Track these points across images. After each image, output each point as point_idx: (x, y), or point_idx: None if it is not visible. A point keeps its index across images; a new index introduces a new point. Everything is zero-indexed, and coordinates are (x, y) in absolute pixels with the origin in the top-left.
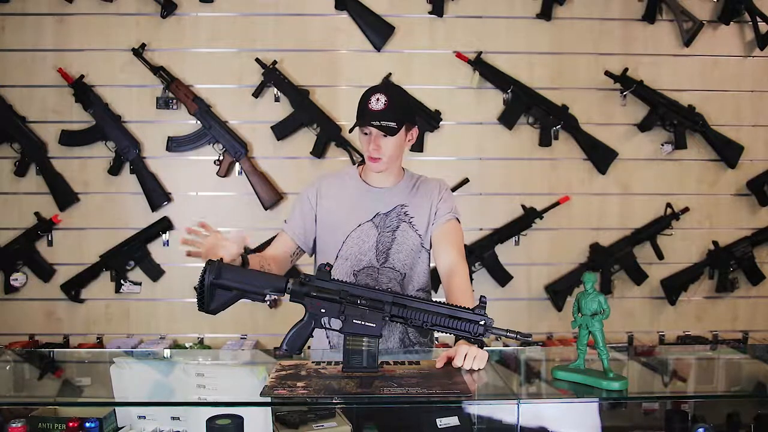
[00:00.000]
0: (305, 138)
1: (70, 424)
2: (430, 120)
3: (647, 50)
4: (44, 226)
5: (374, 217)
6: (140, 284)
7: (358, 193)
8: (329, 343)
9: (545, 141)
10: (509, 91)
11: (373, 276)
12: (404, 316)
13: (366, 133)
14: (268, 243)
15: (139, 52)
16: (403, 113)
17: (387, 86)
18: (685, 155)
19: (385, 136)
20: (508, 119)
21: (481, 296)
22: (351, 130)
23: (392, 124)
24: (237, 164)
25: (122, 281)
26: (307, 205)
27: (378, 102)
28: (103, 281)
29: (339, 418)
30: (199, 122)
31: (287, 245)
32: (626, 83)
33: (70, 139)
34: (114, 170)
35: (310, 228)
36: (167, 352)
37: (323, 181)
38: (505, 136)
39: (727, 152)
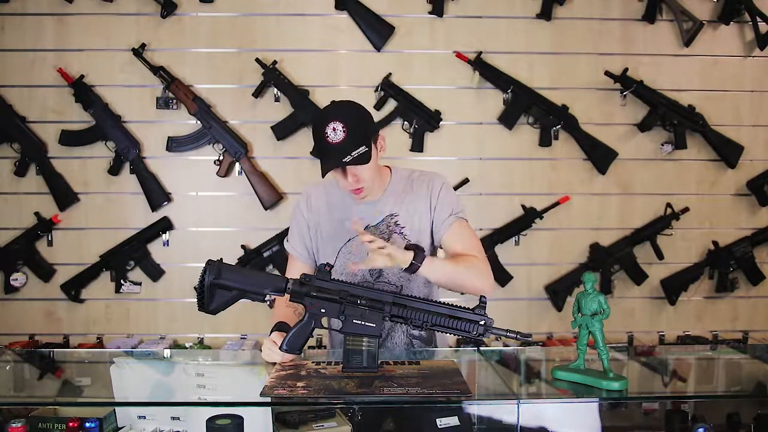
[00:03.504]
0: (305, 138)
1: (70, 424)
2: (430, 120)
3: (647, 50)
4: (44, 226)
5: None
6: (140, 284)
7: (345, 208)
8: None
9: (545, 141)
10: (509, 91)
11: None
12: (404, 316)
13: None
14: (267, 243)
15: (139, 52)
16: (366, 131)
17: (337, 109)
18: (685, 155)
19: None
20: (508, 119)
21: (481, 296)
22: (324, 174)
23: (362, 149)
24: (237, 164)
25: (122, 281)
26: (303, 222)
27: (336, 133)
28: (103, 281)
29: (339, 418)
30: (199, 122)
31: (305, 271)
32: (626, 83)
33: (70, 139)
34: (114, 170)
35: (310, 243)
36: (167, 352)
37: (311, 191)
38: (505, 136)
39: (727, 152)
